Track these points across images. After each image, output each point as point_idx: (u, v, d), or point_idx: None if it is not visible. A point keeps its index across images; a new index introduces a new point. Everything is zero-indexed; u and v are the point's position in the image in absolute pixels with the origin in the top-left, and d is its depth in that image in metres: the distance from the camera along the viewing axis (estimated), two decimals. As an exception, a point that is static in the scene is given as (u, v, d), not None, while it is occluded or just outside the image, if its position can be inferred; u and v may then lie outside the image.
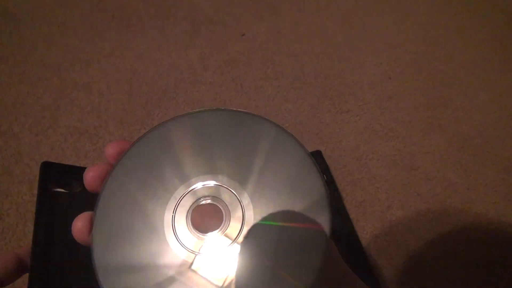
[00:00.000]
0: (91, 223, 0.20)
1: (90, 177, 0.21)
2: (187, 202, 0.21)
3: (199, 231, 0.21)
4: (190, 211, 0.21)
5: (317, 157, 0.56)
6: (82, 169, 0.58)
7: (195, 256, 0.20)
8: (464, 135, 0.65)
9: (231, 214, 0.21)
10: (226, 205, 0.21)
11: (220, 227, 0.20)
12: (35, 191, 0.51)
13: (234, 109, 0.23)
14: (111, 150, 0.21)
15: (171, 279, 0.19)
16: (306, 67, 0.71)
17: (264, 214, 0.20)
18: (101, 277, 0.19)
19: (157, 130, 0.22)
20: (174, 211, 0.20)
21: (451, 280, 0.53)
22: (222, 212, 0.21)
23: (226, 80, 0.68)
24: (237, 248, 0.20)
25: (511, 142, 0.65)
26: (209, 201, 0.21)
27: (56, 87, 0.65)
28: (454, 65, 0.73)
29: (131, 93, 0.66)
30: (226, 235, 0.20)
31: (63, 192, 0.49)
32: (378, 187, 0.59)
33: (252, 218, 0.20)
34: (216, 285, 0.19)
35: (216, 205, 0.21)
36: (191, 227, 0.21)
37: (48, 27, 0.72)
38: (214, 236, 0.20)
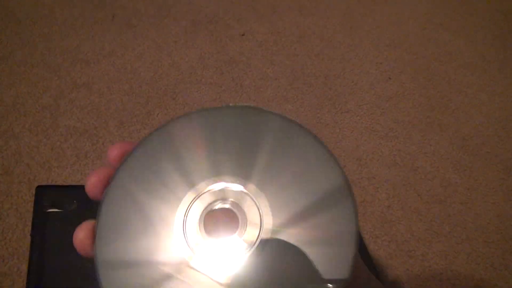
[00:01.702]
0: (94, 233, 0.18)
1: (91, 184, 0.19)
2: (198, 208, 0.19)
3: (213, 237, 0.19)
4: (202, 217, 0.19)
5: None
6: (75, 187, 0.57)
7: (200, 256, 0.18)
8: (464, 135, 0.65)
9: (248, 219, 0.19)
10: (243, 210, 0.19)
11: (236, 233, 0.19)
12: (34, 191, 0.51)
13: (241, 104, 0.21)
14: (114, 152, 0.20)
15: (171, 277, 0.18)
16: (306, 67, 0.71)
17: (284, 220, 0.18)
18: (101, 274, 0.17)
19: (161, 130, 0.20)
20: (185, 217, 0.19)
21: (451, 280, 0.53)
22: (238, 217, 0.19)
23: (226, 80, 0.68)
24: (254, 252, 0.18)
25: (511, 142, 0.65)
26: (223, 206, 0.19)
27: (56, 87, 0.65)
28: (454, 65, 0.73)
29: (131, 93, 0.66)
30: (243, 240, 0.18)
31: (57, 212, 0.49)
32: (378, 187, 0.59)
33: (270, 223, 0.18)
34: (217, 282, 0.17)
35: (231, 210, 0.19)
36: (205, 234, 0.19)
37: (48, 27, 0.72)
38: (231, 240, 0.18)
